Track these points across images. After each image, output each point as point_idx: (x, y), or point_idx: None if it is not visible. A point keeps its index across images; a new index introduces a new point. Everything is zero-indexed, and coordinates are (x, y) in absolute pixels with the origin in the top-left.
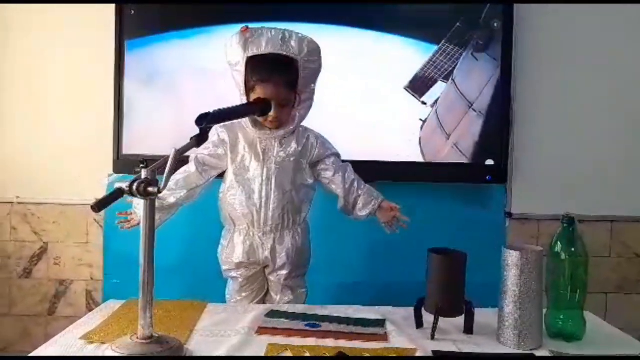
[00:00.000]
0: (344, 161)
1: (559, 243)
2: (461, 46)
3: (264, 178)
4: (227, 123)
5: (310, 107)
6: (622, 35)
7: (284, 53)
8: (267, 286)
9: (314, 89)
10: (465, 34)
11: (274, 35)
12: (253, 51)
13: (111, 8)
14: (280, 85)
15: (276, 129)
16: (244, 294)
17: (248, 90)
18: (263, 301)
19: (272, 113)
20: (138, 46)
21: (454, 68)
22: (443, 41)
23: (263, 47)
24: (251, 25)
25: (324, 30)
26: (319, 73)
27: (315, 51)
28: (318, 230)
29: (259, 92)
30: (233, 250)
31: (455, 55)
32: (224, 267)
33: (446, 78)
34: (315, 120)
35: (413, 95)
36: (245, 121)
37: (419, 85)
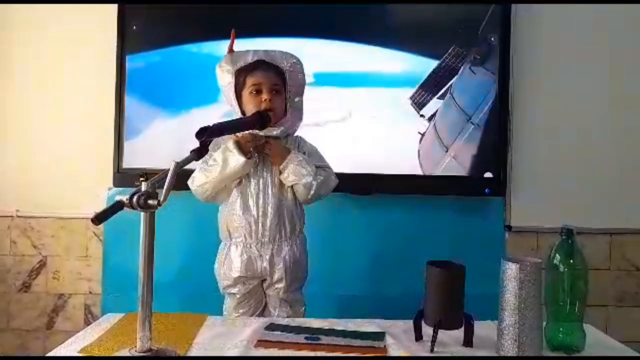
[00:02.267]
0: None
1: (557, 255)
2: (459, 60)
3: (260, 188)
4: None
5: (300, 118)
6: (619, 48)
7: (270, 61)
8: (265, 301)
9: (302, 102)
10: (463, 48)
11: (259, 50)
12: (240, 64)
13: (113, 23)
14: (269, 71)
15: (272, 124)
16: (241, 310)
17: (239, 92)
18: (261, 316)
19: (265, 96)
20: (139, 61)
21: (452, 82)
22: (441, 55)
23: (249, 59)
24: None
25: (325, 45)
26: (304, 88)
27: (298, 65)
28: (317, 243)
29: (249, 84)
30: (231, 264)
31: (454, 70)
32: (221, 284)
33: (444, 92)
34: (315, 132)
35: (413, 108)
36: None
37: (417, 99)
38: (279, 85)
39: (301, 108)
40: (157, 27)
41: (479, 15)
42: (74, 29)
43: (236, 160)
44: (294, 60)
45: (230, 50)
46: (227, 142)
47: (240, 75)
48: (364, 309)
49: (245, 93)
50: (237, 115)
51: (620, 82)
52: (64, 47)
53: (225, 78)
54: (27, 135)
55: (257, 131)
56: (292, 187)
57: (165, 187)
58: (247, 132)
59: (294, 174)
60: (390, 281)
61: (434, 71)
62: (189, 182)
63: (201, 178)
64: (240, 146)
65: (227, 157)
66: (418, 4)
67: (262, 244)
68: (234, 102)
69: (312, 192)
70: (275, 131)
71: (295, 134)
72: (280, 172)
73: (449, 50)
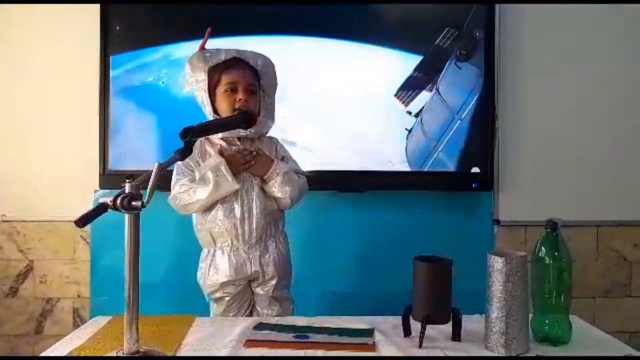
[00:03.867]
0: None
1: (542, 248)
2: (444, 56)
3: (243, 190)
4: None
5: (273, 119)
6: (604, 42)
7: (244, 59)
8: (253, 301)
9: (273, 103)
10: (448, 44)
11: (231, 49)
12: (214, 62)
13: (96, 24)
14: (245, 70)
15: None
16: (231, 314)
17: (212, 90)
18: (250, 316)
19: (241, 96)
20: (123, 62)
21: (438, 78)
22: (427, 51)
23: (222, 57)
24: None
25: (313, 43)
26: (276, 88)
27: (269, 66)
28: (307, 241)
29: (225, 82)
30: (217, 271)
31: (439, 65)
32: (207, 290)
33: (430, 88)
34: (304, 130)
35: (399, 104)
36: (214, 135)
37: (404, 95)
38: (254, 86)
39: (273, 109)
40: (141, 28)
41: (464, 10)
42: (56, 30)
43: (230, 186)
44: (266, 61)
45: (202, 48)
46: (220, 164)
47: (215, 73)
48: (354, 306)
49: (220, 91)
50: (210, 114)
51: (606, 76)
52: (48, 48)
53: (197, 75)
54: (12, 138)
55: (241, 130)
56: (265, 189)
57: (149, 188)
58: (235, 150)
59: (280, 188)
60: (380, 278)
61: (418, 67)
62: (170, 199)
63: (185, 198)
64: (231, 167)
65: (219, 181)
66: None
67: (250, 245)
68: (207, 101)
69: (293, 203)
70: (247, 132)
71: (269, 135)
72: (264, 181)
73: (434, 46)
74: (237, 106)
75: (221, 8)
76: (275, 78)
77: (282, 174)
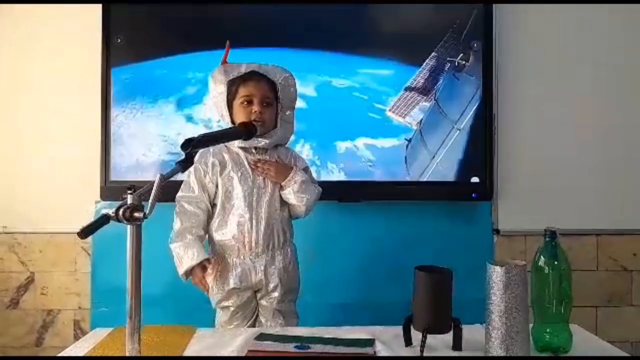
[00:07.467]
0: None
1: (542, 257)
2: (442, 67)
3: (253, 198)
4: (210, 148)
5: (291, 131)
6: (601, 51)
7: (263, 73)
8: (258, 312)
9: (293, 116)
10: (446, 55)
11: (253, 63)
12: (234, 75)
13: (97, 36)
14: (261, 82)
15: (261, 135)
16: (235, 323)
17: (230, 102)
18: (253, 326)
19: (256, 108)
20: (125, 73)
21: (436, 88)
22: (424, 62)
23: (243, 70)
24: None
25: (309, 55)
26: (295, 102)
27: (290, 79)
28: (307, 252)
29: (241, 94)
30: (224, 278)
31: (437, 76)
32: (214, 298)
33: (429, 98)
34: (303, 142)
35: (396, 115)
36: (233, 145)
37: (402, 106)
38: (270, 98)
39: (292, 121)
40: (143, 40)
41: (462, 22)
42: (58, 43)
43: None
44: (287, 74)
45: (224, 62)
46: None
47: (233, 85)
48: (355, 316)
49: (237, 103)
50: (228, 125)
51: (604, 84)
52: (49, 61)
53: (217, 88)
54: (13, 150)
55: (243, 141)
56: (282, 197)
57: (150, 199)
58: (252, 160)
59: (296, 196)
60: (380, 288)
61: (416, 78)
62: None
63: (176, 223)
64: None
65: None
66: (401, 11)
67: (256, 254)
68: (225, 112)
69: (308, 211)
70: (261, 142)
71: (287, 145)
72: (282, 187)
73: (432, 57)
74: (252, 118)
75: (223, 21)
76: (295, 92)
77: (300, 182)
